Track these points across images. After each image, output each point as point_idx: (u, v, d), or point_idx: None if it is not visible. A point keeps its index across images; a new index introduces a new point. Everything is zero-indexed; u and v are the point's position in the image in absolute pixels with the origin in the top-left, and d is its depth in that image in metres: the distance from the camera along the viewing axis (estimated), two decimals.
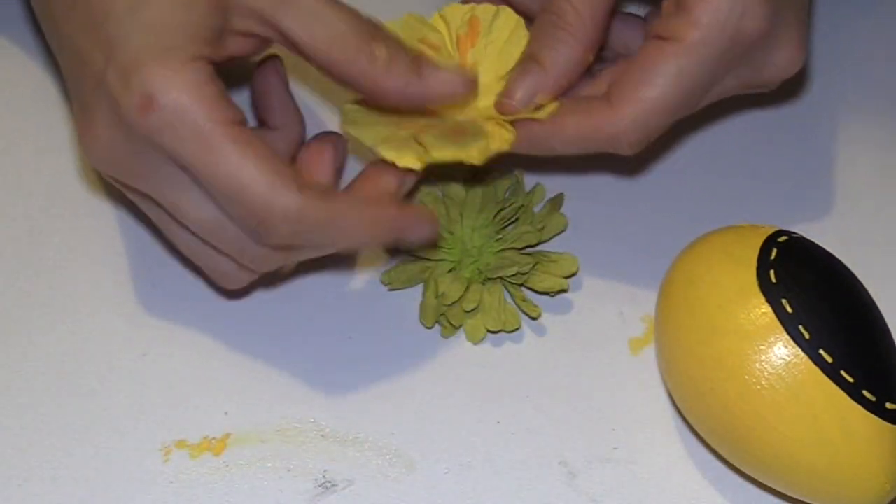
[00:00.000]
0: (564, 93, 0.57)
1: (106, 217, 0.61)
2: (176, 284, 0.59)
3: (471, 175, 0.60)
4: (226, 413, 0.56)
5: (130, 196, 0.54)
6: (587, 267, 0.60)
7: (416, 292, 0.59)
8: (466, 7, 0.59)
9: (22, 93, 0.65)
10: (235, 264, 0.54)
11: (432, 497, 0.54)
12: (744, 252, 0.53)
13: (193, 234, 0.53)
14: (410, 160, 0.54)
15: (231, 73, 0.53)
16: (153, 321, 0.58)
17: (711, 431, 0.53)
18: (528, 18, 0.59)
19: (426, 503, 0.54)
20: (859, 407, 0.50)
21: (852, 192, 0.63)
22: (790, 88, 0.64)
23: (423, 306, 0.58)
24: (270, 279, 0.58)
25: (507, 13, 0.58)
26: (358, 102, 0.57)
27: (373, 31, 0.53)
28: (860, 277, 0.54)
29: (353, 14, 0.52)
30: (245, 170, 0.50)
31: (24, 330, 0.58)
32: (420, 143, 0.55)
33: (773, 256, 0.52)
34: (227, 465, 0.55)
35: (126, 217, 0.61)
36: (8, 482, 0.54)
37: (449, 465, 0.55)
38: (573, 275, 0.59)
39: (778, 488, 0.53)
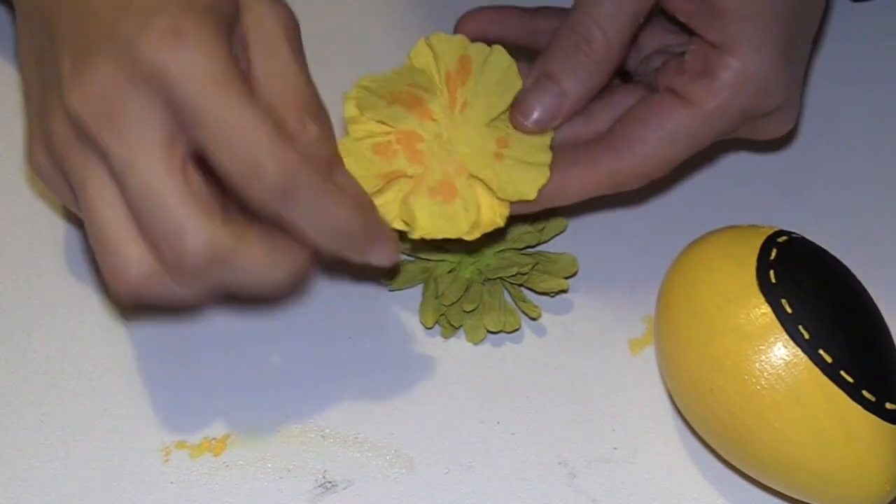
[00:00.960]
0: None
1: None
2: None
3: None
4: (226, 413, 0.56)
5: (66, 161, 0.51)
6: (587, 267, 0.60)
7: (416, 292, 0.59)
8: (457, 40, 0.57)
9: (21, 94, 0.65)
10: (151, 260, 0.51)
11: (432, 497, 0.54)
12: (744, 252, 0.52)
13: (126, 208, 0.51)
14: (400, 226, 0.55)
15: None
16: (153, 321, 0.58)
17: (711, 431, 0.53)
18: (523, 50, 0.58)
19: (426, 503, 0.54)
20: (859, 407, 0.50)
21: (852, 192, 0.63)
22: None
23: (423, 306, 0.59)
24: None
25: (500, 53, 0.57)
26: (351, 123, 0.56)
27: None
28: (860, 277, 0.54)
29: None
30: (251, 116, 0.49)
31: (24, 330, 0.58)
32: (408, 210, 0.54)
33: (772, 256, 0.52)
34: (227, 466, 0.55)
35: None
36: (8, 482, 0.54)
37: (449, 465, 0.55)
38: (573, 275, 0.59)
39: (778, 488, 0.53)
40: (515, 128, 0.56)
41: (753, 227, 0.54)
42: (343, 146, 0.55)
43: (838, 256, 0.54)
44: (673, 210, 0.62)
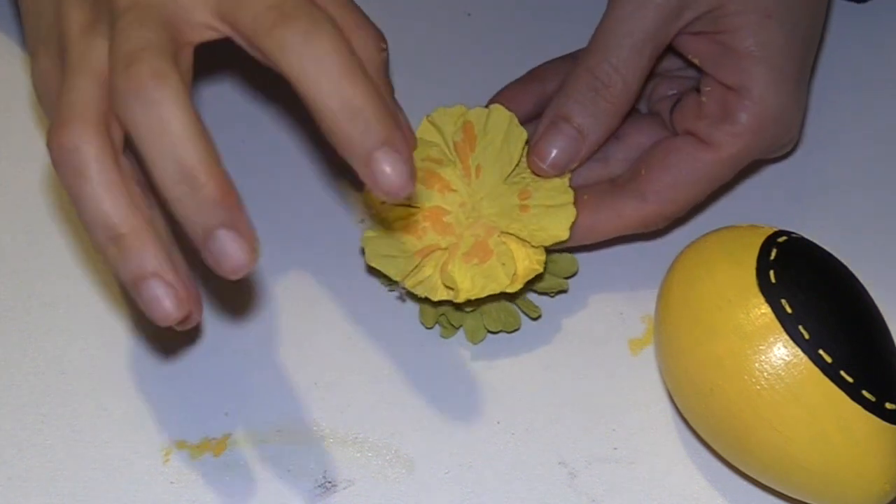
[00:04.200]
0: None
1: None
2: None
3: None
4: (226, 413, 0.56)
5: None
6: (587, 267, 0.60)
7: None
8: (455, 110, 0.58)
9: (24, 94, 0.65)
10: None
11: (432, 497, 0.54)
12: (743, 252, 0.52)
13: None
14: (444, 294, 0.56)
15: None
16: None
17: (711, 431, 0.53)
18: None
19: (426, 503, 0.54)
20: (859, 407, 0.50)
21: (852, 193, 0.63)
22: None
23: (423, 306, 0.58)
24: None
25: (499, 111, 0.57)
26: (373, 230, 0.57)
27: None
28: (860, 277, 0.54)
29: None
30: None
31: (24, 330, 0.58)
32: (448, 276, 0.55)
33: (772, 257, 0.52)
34: (227, 466, 0.55)
35: None
36: (8, 482, 0.54)
37: (449, 466, 0.55)
38: (573, 275, 0.59)
39: (777, 488, 0.53)
40: (533, 172, 0.57)
41: (753, 227, 0.54)
42: (373, 232, 0.57)
43: (838, 256, 0.54)
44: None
